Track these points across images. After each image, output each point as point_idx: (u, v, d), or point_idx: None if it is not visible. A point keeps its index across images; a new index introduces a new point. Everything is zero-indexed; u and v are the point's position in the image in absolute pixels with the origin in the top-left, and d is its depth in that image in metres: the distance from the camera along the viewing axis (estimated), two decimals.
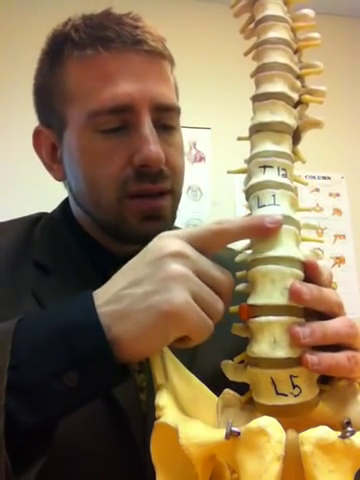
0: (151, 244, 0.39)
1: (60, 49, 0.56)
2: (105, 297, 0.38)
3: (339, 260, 2.00)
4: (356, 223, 2.05)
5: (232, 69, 2.04)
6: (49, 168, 0.62)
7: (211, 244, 0.39)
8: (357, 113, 2.16)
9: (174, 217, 0.59)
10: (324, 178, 2.07)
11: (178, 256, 0.37)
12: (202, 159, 1.99)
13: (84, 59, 0.54)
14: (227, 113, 2.00)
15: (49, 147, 0.61)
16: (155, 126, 0.54)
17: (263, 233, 0.38)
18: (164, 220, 0.56)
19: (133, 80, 0.53)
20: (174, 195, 0.57)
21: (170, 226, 0.58)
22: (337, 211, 2.06)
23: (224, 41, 2.07)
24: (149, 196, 0.54)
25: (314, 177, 2.04)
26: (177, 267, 0.36)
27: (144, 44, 0.54)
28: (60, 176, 0.61)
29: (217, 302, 0.38)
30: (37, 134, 0.62)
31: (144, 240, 0.54)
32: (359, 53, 2.24)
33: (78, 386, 0.35)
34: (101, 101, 0.52)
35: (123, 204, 0.54)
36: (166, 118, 0.56)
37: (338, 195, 2.08)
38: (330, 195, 2.07)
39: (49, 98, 0.59)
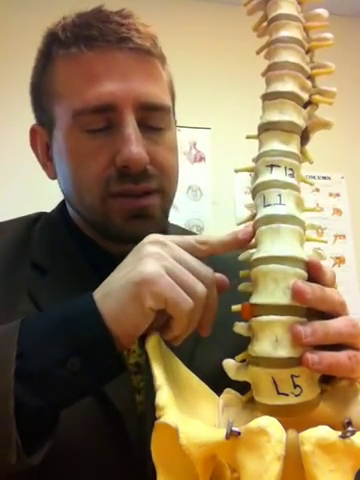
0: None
1: (49, 48, 0.57)
2: (99, 289, 0.42)
3: (339, 260, 1.99)
4: (356, 223, 2.04)
5: (232, 69, 2.04)
6: (44, 166, 0.63)
7: (192, 250, 0.42)
8: (357, 113, 2.16)
9: (165, 216, 0.59)
10: (324, 178, 2.07)
11: (156, 242, 0.41)
12: (202, 159, 1.99)
13: (69, 58, 0.55)
14: (227, 113, 2.00)
15: (43, 145, 0.61)
16: (142, 125, 0.53)
17: (239, 245, 0.41)
18: (152, 219, 0.55)
19: (117, 79, 0.53)
20: (163, 194, 0.56)
21: (160, 225, 0.58)
22: (337, 211, 2.06)
23: (224, 41, 2.07)
24: (133, 195, 0.54)
25: (314, 177, 2.03)
26: (152, 248, 0.40)
27: (129, 42, 0.53)
28: (53, 175, 0.61)
29: (196, 283, 0.39)
30: (33, 132, 0.62)
31: (133, 239, 0.55)
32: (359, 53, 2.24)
33: (81, 371, 0.38)
34: (84, 100, 0.52)
35: (107, 204, 0.54)
36: (153, 117, 0.55)
37: (338, 195, 2.08)
38: (330, 195, 2.07)
39: (41, 97, 0.59)
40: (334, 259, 1.99)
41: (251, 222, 0.41)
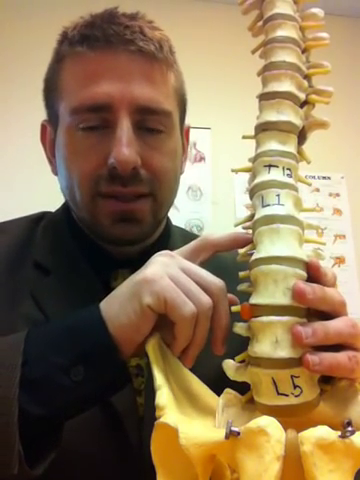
0: None
1: (60, 46, 0.57)
2: (107, 296, 0.42)
3: (339, 260, 1.99)
4: (356, 223, 2.04)
5: (232, 69, 2.04)
6: (49, 162, 0.63)
7: (199, 252, 0.43)
8: (357, 113, 2.16)
9: (156, 221, 0.58)
10: (324, 178, 2.07)
11: (166, 254, 0.42)
12: (202, 159, 1.99)
13: (73, 57, 0.55)
14: (227, 113, 2.00)
15: (50, 142, 0.62)
16: (139, 128, 0.53)
17: (239, 244, 0.42)
18: (140, 223, 0.55)
19: (115, 80, 0.53)
20: (155, 199, 0.56)
21: (149, 230, 0.58)
22: (337, 211, 2.06)
23: (224, 41, 2.07)
24: (122, 198, 0.54)
25: (314, 177, 2.03)
26: (161, 258, 0.41)
27: (131, 44, 0.53)
28: (55, 171, 0.62)
29: (200, 293, 0.39)
30: (43, 128, 0.64)
31: (119, 242, 0.56)
32: (359, 53, 2.24)
33: (83, 380, 0.38)
34: (81, 99, 0.53)
35: (96, 203, 0.54)
36: (151, 120, 0.54)
37: (338, 195, 2.07)
38: (330, 195, 2.07)
39: (49, 94, 0.60)
40: (334, 259, 1.98)
41: (249, 223, 0.41)
